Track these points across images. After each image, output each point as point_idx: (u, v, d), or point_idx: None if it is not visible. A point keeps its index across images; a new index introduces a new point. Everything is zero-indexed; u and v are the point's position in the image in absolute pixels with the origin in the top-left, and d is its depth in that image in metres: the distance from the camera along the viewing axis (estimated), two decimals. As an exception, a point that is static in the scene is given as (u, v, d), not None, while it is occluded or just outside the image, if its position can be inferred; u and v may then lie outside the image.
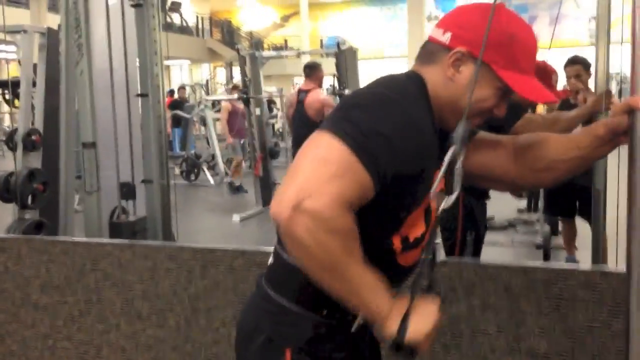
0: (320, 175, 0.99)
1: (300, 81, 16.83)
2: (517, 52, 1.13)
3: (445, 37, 1.15)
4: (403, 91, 1.12)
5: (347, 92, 6.28)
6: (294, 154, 4.46)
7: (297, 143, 6.01)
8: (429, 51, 1.19)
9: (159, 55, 3.55)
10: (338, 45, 6.68)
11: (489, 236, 5.57)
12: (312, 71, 6.25)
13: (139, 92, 3.68)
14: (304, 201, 0.97)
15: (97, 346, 2.54)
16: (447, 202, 1.11)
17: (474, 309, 2.08)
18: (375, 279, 1.06)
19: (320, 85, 6.38)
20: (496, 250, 5.20)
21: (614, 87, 9.80)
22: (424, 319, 1.06)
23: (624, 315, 1.06)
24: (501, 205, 5.94)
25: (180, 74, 25.77)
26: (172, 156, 10.64)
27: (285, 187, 1.01)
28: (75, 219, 4.25)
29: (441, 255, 2.86)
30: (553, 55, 2.93)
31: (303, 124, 6.00)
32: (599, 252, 2.45)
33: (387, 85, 1.15)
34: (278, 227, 1.01)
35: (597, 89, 2.77)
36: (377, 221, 1.12)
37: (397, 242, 1.16)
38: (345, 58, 6.63)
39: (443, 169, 1.11)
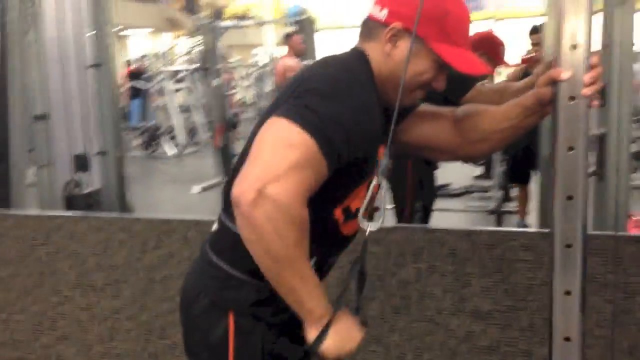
0: (284, 160, 1.02)
1: (260, 51, 16.63)
2: (450, 26, 1.16)
3: (382, 14, 1.18)
4: (352, 72, 1.15)
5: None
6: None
7: None
8: (369, 28, 1.22)
9: (110, 26, 3.48)
10: (299, 14, 6.67)
11: (445, 203, 5.70)
12: (286, 40, 6.35)
13: (92, 63, 3.61)
14: (268, 185, 1.00)
15: (52, 318, 2.55)
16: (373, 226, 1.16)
17: (422, 273, 2.15)
18: (317, 281, 1.11)
19: (296, 54, 6.34)
20: (451, 216, 5.32)
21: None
22: (341, 338, 1.13)
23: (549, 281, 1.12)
24: (458, 172, 6.06)
25: (139, 43, 25.20)
26: (131, 127, 10.51)
27: (248, 169, 1.04)
28: (29, 193, 4.18)
29: (391, 221, 2.93)
30: (506, 25, 2.97)
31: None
32: (546, 215, 2.54)
33: (337, 66, 1.17)
34: (237, 208, 1.03)
35: (543, 59, 2.84)
36: (323, 196, 1.15)
37: (339, 214, 1.20)
38: (304, 28, 6.62)
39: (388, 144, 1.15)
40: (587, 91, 1.03)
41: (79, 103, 3.56)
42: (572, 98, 1.05)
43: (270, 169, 1.01)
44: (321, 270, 1.26)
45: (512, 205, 5.23)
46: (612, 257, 1.93)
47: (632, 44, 2.29)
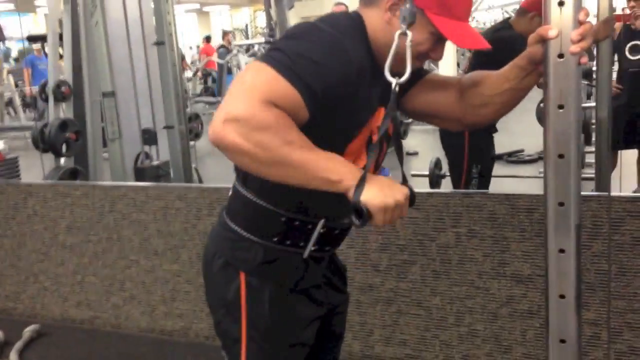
0: (243, 85, 1.04)
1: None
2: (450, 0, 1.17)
3: None
4: (337, 25, 1.17)
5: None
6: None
7: None
8: None
9: (170, 3, 3.63)
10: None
11: (517, 169, 5.57)
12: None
13: (156, 41, 3.79)
14: (230, 111, 1.01)
15: (121, 280, 2.76)
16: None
17: (461, 237, 2.17)
18: (326, 152, 1.07)
19: None
20: (524, 182, 5.21)
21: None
22: (382, 188, 1.06)
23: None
24: (530, 138, 5.89)
25: (221, 19, 25.71)
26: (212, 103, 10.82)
27: (227, 98, 1.05)
28: (105, 165, 4.47)
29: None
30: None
31: None
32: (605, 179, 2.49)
33: (324, 20, 1.20)
34: (217, 146, 1.04)
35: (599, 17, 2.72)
36: (327, 137, 1.15)
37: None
38: None
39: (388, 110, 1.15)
40: (574, 48, 1.03)
41: (145, 80, 3.77)
42: (560, 56, 1.05)
43: (231, 98, 1.03)
44: (333, 233, 1.31)
45: (588, 172, 5.03)
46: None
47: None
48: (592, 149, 5.46)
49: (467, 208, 2.14)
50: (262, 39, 10.84)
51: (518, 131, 5.86)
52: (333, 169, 1.06)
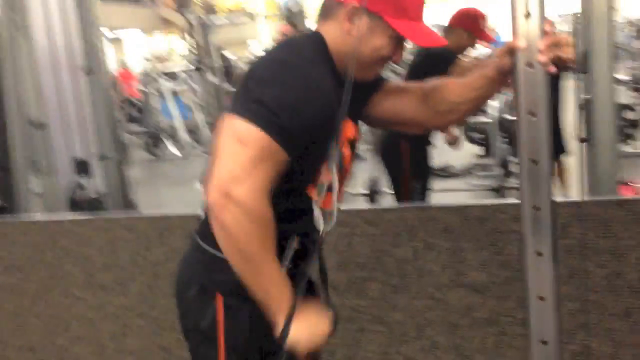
0: (243, 160, 1.10)
1: (253, 42, 16.54)
2: (404, 1, 1.21)
3: None
4: (300, 53, 1.20)
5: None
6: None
7: None
8: (327, 7, 1.26)
9: (101, 32, 3.54)
10: (289, 8, 6.69)
11: (448, 183, 5.73)
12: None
13: (84, 68, 3.67)
14: (232, 188, 1.08)
15: (66, 320, 2.62)
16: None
17: (418, 251, 2.20)
18: (283, 275, 1.18)
19: None
20: (455, 196, 5.36)
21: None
22: (307, 328, 1.18)
23: (521, 244, 1.16)
24: (458, 152, 6.09)
25: (134, 45, 25.27)
26: (136, 132, 10.56)
27: (214, 172, 1.11)
28: (33, 199, 4.26)
29: (388, 202, 2.97)
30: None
31: None
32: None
33: (285, 49, 1.23)
34: (211, 212, 1.13)
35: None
36: (292, 178, 1.21)
37: (312, 192, 1.25)
38: (296, 20, 6.64)
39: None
40: (542, 58, 1.08)
41: (74, 108, 3.63)
42: (530, 65, 1.10)
43: (231, 170, 1.09)
44: (306, 248, 1.31)
45: (513, 181, 5.26)
46: (602, 222, 1.97)
47: (613, 11, 2.33)
48: (492, 161, 5.81)
49: (423, 221, 2.18)
50: (182, 66, 10.72)
51: (445, 146, 6.05)
52: (277, 302, 1.17)
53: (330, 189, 1.27)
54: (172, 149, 9.69)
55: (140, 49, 23.56)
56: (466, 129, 7.08)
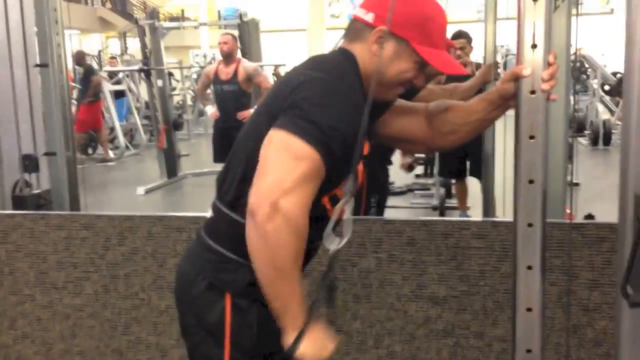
0: (293, 173, 1.13)
1: (199, 52, 16.43)
2: (431, 30, 1.28)
3: (369, 17, 1.29)
4: (342, 75, 1.26)
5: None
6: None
7: None
8: (356, 29, 1.32)
9: (60, 24, 3.45)
10: (240, 16, 6.69)
11: (389, 200, 5.86)
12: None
13: (38, 62, 3.57)
14: (281, 199, 1.11)
15: (12, 317, 2.53)
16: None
17: (382, 262, 2.27)
18: (302, 290, 1.21)
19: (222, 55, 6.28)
20: (397, 213, 5.49)
21: (499, 59, 10.42)
22: (316, 345, 1.22)
23: (511, 259, 1.25)
24: (400, 171, 6.25)
25: (70, 44, 24.50)
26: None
27: (260, 181, 1.14)
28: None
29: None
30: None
31: None
32: (489, 206, 2.70)
33: (325, 68, 1.27)
34: (252, 218, 1.14)
35: (485, 61, 3.02)
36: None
37: (326, 201, 1.30)
38: (247, 30, 6.66)
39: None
40: (545, 86, 1.17)
41: (27, 103, 3.51)
42: (532, 92, 1.18)
43: (281, 182, 1.12)
44: (309, 252, 1.35)
45: (453, 202, 5.46)
46: (558, 242, 2.10)
47: (569, 46, 2.49)
48: (432, 180, 6.06)
49: (388, 234, 2.25)
50: (131, 67, 10.48)
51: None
52: (294, 312, 1.20)
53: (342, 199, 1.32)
54: (108, 150, 9.45)
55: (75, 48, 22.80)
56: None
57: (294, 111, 1.18)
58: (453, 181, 5.38)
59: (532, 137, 1.19)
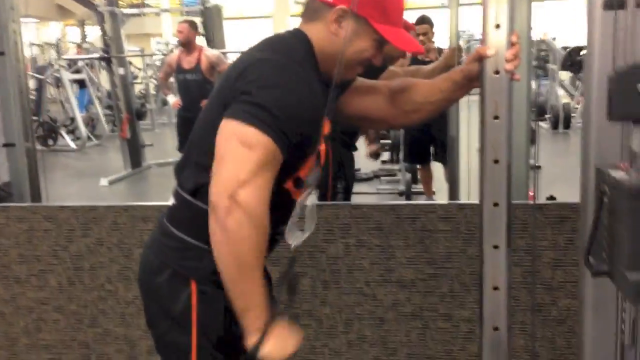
0: (247, 163, 1.12)
1: (161, 40, 16.17)
2: (389, 8, 1.28)
3: None
4: (291, 55, 1.24)
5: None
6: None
7: None
8: (313, 9, 1.30)
9: (16, 11, 3.34)
10: (203, 3, 6.61)
11: (356, 187, 5.89)
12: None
13: (-6, 50, 3.46)
14: (239, 191, 1.10)
15: (-27, 314, 2.47)
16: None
17: (350, 247, 2.27)
18: (265, 290, 1.21)
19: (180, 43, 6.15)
20: (364, 199, 5.52)
21: (462, 44, 10.52)
22: (279, 344, 1.22)
23: (477, 241, 1.26)
24: (366, 157, 6.28)
25: (26, 33, 23.86)
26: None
27: (217, 174, 1.13)
28: None
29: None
30: (408, 17, 3.15)
31: None
32: (455, 189, 2.73)
33: (275, 49, 1.26)
34: (213, 213, 1.13)
35: (450, 45, 3.04)
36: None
37: (290, 185, 1.29)
38: (210, 16, 6.58)
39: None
40: (509, 66, 1.18)
41: (-17, 92, 3.41)
42: (496, 72, 1.19)
43: (237, 174, 1.11)
44: (273, 238, 1.34)
45: (419, 187, 5.51)
46: (522, 223, 2.13)
47: (530, 29, 2.52)
48: (397, 166, 6.13)
49: (356, 219, 2.26)
50: (92, 55, 10.26)
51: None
52: (256, 312, 1.20)
53: (306, 183, 1.31)
54: (68, 140, 9.26)
55: (31, 37, 22.27)
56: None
57: (243, 97, 1.17)
58: (419, 167, 5.43)
59: (496, 117, 1.20)
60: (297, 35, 1.29)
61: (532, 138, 6.53)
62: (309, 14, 1.31)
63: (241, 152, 1.13)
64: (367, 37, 1.27)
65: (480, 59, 1.20)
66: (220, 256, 1.16)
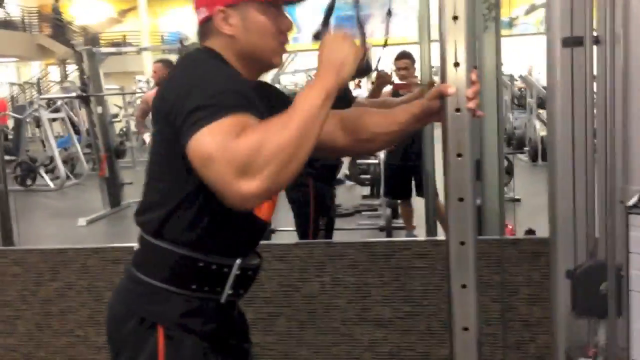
0: (221, 158, 1.02)
1: (142, 78, 16.21)
2: None
3: (203, 12, 1.27)
4: (200, 60, 1.23)
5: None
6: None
7: None
8: (202, 32, 1.29)
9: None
10: (181, 41, 6.64)
11: (337, 222, 5.87)
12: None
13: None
14: (248, 171, 1.00)
15: (-63, 363, 2.38)
16: None
17: (325, 286, 2.24)
18: (299, 100, 1.09)
19: (156, 83, 6.17)
20: (345, 235, 5.48)
21: (436, 79, 10.66)
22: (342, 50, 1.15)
23: (447, 278, 1.25)
24: (346, 193, 6.28)
25: (7, 72, 23.85)
26: (6, 161, 9.88)
27: (217, 173, 1.02)
28: None
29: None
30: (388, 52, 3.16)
31: None
32: (431, 225, 2.72)
33: (184, 63, 1.25)
34: (253, 196, 1.01)
35: (422, 80, 3.06)
36: None
37: None
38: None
39: None
40: (471, 104, 1.18)
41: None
42: (457, 110, 1.19)
43: (221, 170, 1.01)
44: (246, 274, 1.30)
45: (400, 222, 5.49)
46: (497, 259, 2.12)
47: (500, 65, 2.55)
48: (378, 201, 6.10)
49: (331, 257, 2.23)
50: (62, 94, 10.26)
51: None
52: (315, 94, 1.09)
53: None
54: (47, 180, 9.16)
55: (11, 76, 22.24)
56: (354, 171, 7.32)
57: (186, 112, 1.09)
58: (399, 201, 5.42)
59: (459, 155, 1.19)
60: (204, 51, 1.27)
61: (510, 171, 6.60)
62: (203, 36, 1.29)
63: (237, 142, 1.01)
64: (256, 12, 1.24)
65: (441, 96, 1.20)
66: (301, 155, 1.06)
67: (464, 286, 1.23)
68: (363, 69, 1.13)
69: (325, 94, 1.10)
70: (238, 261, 1.26)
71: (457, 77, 1.19)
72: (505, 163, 6.72)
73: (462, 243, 1.21)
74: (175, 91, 1.15)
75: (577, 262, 1.17)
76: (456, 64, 1.18)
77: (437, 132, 1.49)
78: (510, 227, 3.81)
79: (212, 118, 1.05)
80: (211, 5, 1.24)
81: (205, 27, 1.28)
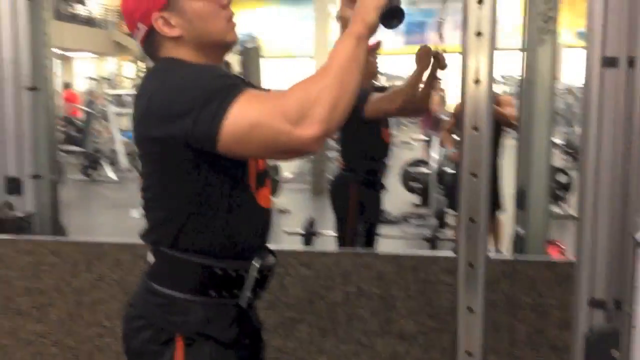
0: (263, 104, 1.10)
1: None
2: None
3: (141, 28, 1.24)
4: (178, 63, 1.21)
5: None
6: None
7: None
8: (148, 47, 1.27)
9: (48, 48, 3.45)
10: (243, 43, 6.75)
11: (383, 229, 5.81)
12: None
13: (29, 85, 3.57)
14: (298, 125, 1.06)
15: (-25, 343, 2.48)
16: None
17: (349, 296, 2.21)
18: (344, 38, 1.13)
19: None
20: (389, 243, 5.42)
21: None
22: None
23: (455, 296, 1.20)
24: (397, 200, 6.20)
25: (84, 66, 24.81)
26: (73, 152, 10.27)
27: (272, 131, 1.07)
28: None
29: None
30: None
31: None
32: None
33: (165, 71, 1.22)
34: (309, 142, 1.08)
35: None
36: (233, 170, 1.21)
37: (252, 181, 1.25)
38: (250, 56, 6.69)
39: None
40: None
41: (13, 125, 3.51)
42: (475, 128, 1.14)
43: (273, 113, 1.08)
44: (263, 274, 1.29)
45: (448, 233, 5.38)
46: (528, 280, 2.03)
47: (554, 77, 2.44)
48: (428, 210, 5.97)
49: (357, 267, 2.20)
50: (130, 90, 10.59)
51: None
52: (346, 41, 1.13)
53: (263, 178, 1.29)
54: (109, 172, 9.46)
55: (90, 71, 23.12)
56: (405, 178, 7.23)
57: (191, 109, 1.10)
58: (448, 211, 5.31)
59: (474, 175, 1.15)
60: (163, 61, 1.25)
61: (567, 186, 6.32)
62: (152, 53, 1.27)
63: (257, 106, 1.09)
64: (190, 1, 1.22)
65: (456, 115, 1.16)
66: (356, 81, 1.12)
67: (470, 310, 1.18)
68: (390, 9, 1.08)
69: (355, 38, 1.13)
70: (257, 265, 1.26)
71: (476, 94, 1.14)
72: (565, 177, 6.52)
73: (471, 265, 1.17)
74: (165, 103, 1.14)
75: (596, 293, 1.11)
76: (477, 81, 1.14)
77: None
78: (562, 247, 3.63)
79: (231, 98, 1.08)
80: (146, 16, 1.22)
81: (150, 41, 1.26)
